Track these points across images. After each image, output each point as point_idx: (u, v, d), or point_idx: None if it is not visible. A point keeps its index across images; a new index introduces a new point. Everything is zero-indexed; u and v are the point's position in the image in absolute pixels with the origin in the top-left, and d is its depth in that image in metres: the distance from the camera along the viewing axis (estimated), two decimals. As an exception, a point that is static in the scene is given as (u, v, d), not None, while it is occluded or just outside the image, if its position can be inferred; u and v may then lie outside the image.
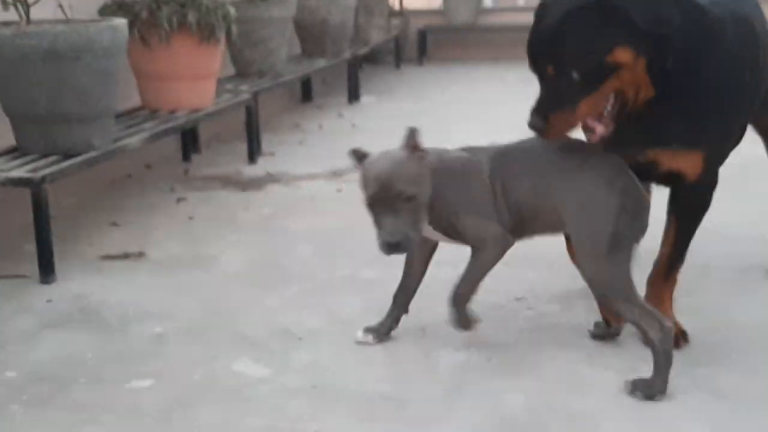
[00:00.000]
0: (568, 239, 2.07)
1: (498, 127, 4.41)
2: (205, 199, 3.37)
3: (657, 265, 1.99)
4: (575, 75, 1.73)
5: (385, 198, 1.76)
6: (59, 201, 2.93)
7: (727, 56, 1.84)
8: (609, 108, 1.79)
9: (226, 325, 2.17)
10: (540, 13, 1.80)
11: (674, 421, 1.69)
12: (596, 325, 2.02)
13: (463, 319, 1.90)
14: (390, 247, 1.77)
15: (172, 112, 3.38)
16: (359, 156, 1.85)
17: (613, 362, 1.92)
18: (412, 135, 1.81)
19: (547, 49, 1.75)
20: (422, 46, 7.96)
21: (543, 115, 1.77)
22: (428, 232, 1.89)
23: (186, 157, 4.04)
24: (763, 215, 2.94)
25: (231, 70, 4.41)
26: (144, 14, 3.20)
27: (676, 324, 1.92)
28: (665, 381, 1.75)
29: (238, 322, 2.19)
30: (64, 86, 2.54)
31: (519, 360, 1.95)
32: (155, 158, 3.92)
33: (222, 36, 3.43)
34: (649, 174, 1.90)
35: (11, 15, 2.64)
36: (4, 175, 2.46)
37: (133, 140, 2.90)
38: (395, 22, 7.55)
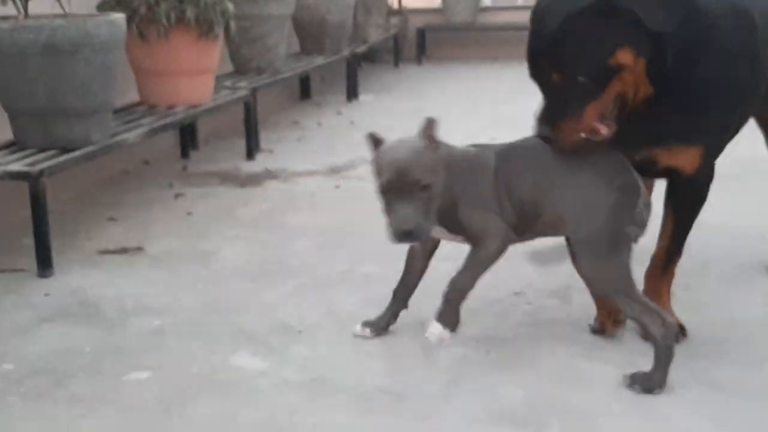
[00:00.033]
0: (568, 240, 2.04)
1: (496, 125, 4.42)
2: (204, 195, 3.36)
3: (654, 259, 1.99)
4: (581, 80, 1.71)
5: (400, 185, 1.73)
6: (57, 196, 2.93)
7: (723, 51, 1.84)
8: (611, 109, 1.78)
9: (225, 319, 2.17)
10: (537, 19, 1.77)
11: (672, 414, 1.69)
12: (595, 319, 2.02)
13: (451, 316, 1.85)
14: (402, 235, 1.74)
15: (171, 107, 3.37)
16: (375, 140, 1.82)
17: (611, 356, 1.92)
18: (429, 125, 1.80)
19: (550, 56, 1.73)
20: (421, 45, 7.96)
21: (551, 123, 1.76)
22: None
23: (184, 153, 4.03)
24: (762, 212, 2.95)
25: (229, 67, 4.41)
26: (142, 9, 3.20)
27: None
28: (665, 375, 1.75)
29: (237, 316, 2.19)
30: (62, 80, 2.53)
31: (517, 354, 1.95)
32: (153, 154, 3.92)
33: (220, 32, 3.43)
34: (647, 170, 1.89)
35: (9, 9, 2.63)
36: (2, 168, 2.46)
37: (132, 135, 2.90)
38: (394, 20, 7.55)
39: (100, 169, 3.45)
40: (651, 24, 1.68)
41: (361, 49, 6.15)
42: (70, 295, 2.34)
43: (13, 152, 2.62)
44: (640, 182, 1.82)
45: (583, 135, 1.76)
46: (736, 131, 2.02)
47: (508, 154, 1.87)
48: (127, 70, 3.39)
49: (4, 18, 2.57)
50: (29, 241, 2.55)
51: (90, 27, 2.52)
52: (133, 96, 3.50)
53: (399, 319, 2.06)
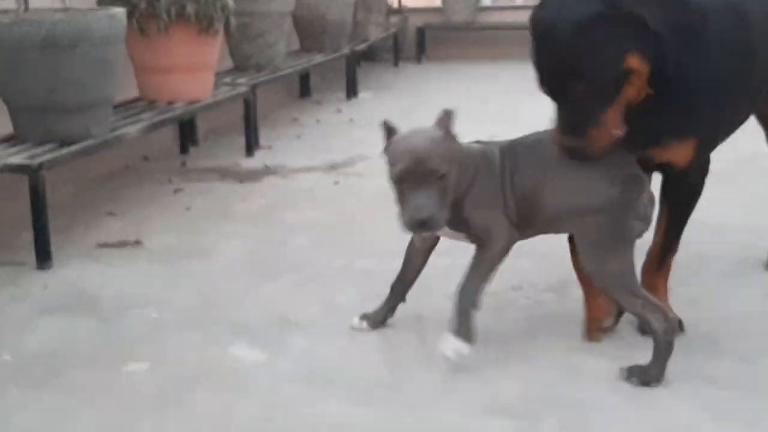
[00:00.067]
0: (571, 239, 2.04)
1: (495, 123, 4.42)
2: (203, 190, 3.37)
3: (650, 254, 2.00)
4: (600, 86, 1.71)
5: (416, 174, 1.71)
6: (56, 191, 2.94)
7: (713, 49, 1.84)
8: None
9: (223, 312, 2.17)
10: (544, 30, 1.73)
11: (668, 407, 1.70)
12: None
13: (466, 328, 1.82)
14: (417, 223, 1.72)
15: (170, 103, 3.38)
16: (389, 129, 1.81)
17: (608, 350, 1.93)
18: (446, 116, 1.80)
19: (569, 65, 1.70)
20: (420, 44, 7.96)
21: (578, 133, 1.74)
22: None
23: (183, 149, 4.04)
24: (758, 208, 2.95)
25: (229, 64, 4.41)
26: (142, 5, 3.21)
27: None
28: (663, 369, 1.76)
29: (235, 309, 2.19)
30: (62, 75, 2.54)
31: (514, 348, 1.95)
32: (152, 150, 3.92)
33: (220, 27, 3.43)
34: (643, 166, 1.90)
35: (9, 3, 2.64)
36: (1, 161, 2.47)
37: (131, 130, 2.90)
38: (394, 19, 7.56)
39: (99, 164, 3.45)
40: (655, 26, 1.69)
41: (361, 47, 6.16)
42: (68, 287, 2.35)
43: (13, 146, 2.63)
44: (644, 177, 1.82)
45: (607, 140, 1.76)
46: (732, 127, 2.03)
47: (512, 150, 1.86)
48: (127, 66, 3.39)
49: (4, 12, 2.58)
50: (28, 235, 2.55)
51: (90, 21, 2.52)
52: (132, 91, 3.50)
53: (396, 313, 2.07)
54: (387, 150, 1.79)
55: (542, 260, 2.43)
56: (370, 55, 7.60)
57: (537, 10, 1.76)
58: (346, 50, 5.56)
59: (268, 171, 3.68)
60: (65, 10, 2.66)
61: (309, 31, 5.32)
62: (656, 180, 2.03)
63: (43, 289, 2.34)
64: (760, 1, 2.00)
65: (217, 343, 2.00)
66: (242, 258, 2.59)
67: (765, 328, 2.05)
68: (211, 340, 2.01)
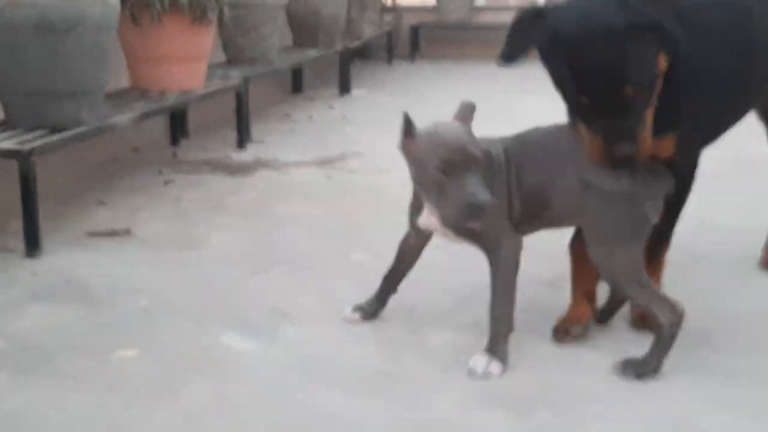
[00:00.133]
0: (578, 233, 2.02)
1: (489, 122, 4.41)
2: (194, 182, 3.34)
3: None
4: (643, 89, 1.70)
5: (458, 163, 1.67)
6: (46, 181, 2.90)
7: (697, 48, 1.83)
8: None
9: (214, 302, 2.15)
10: (580, 40, 1.68)
11: (662, 399, 1.69)
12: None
13: (500, 348, 1.80)
14: (477, 207, 1.66)
15: (163, 93, 3.35)
16: (410, 125, 1.73)
17: (602, 343, 1.92)
18: (467, 108, 1.78)
19: (617, 71, 1.67)
20: (414, 43, 7.96)
21: (629, 139, 1.71)
22: (434, 224, 1.83)
23: (174, 141, 4.01)
24: (753, 209, 2.95)
25: (222, 57, 4.39)
26: (136, -7, 3.18)
27: None
28: (661, 362, 1.75)
29: (226, 298, 2.17)
30: (55, 59, 2.51)
31: (509, 341, 1.94)
32: (143, 142, 3.90)
33: (214, 17, 3.41)
34: None
35: (3, -13, 2.61)
36: (-9, 147, 2.44)
37: (123, 118, 2.88)
38: (388, 17, 7.55)
39: (89, 154, 3.42)
40: (671, 28, 1.70)
41: (355, 44, 6.14)
42: (58, 274, 2.32)
43: (3, 131, 2.60)
44: (666, 170, 1.80)
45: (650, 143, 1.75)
46: (721, 126, 2.02)
47: (517, 146, 1.83)
48: (119, 55, 3.36)
49: (-3, -5, 2.54)
50: (17, 223, 2.53)
51: (84, 6, 2.50)
52: (124, 81, 3.48)
53: (389, 305, 2.05)
54: (412, 147, 1.73)
55: (538, 255, 2.41)
56: (363, 53, 7.59)
57: (561, 25, 1.70)
58: (339, 46, 5.55)
59: (259, 165, 3.65)
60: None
61: (303, 26, 5.30)
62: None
63: (32, 276, 2.31)
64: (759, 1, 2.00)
65: (207, 332, 1.97)
66: (234, 249, 2.57)
67: (759, 324, 2.05)
68: (201, 329, 1.99)
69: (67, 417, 1.61)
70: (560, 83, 1.76)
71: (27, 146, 2.42)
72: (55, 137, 2.54)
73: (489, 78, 6.51)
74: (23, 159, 2.40)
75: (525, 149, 1.83)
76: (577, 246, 1.96)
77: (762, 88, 2.08)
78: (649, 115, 1.74)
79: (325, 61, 5.77)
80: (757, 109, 2.35)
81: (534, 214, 1.82)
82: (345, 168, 3.61)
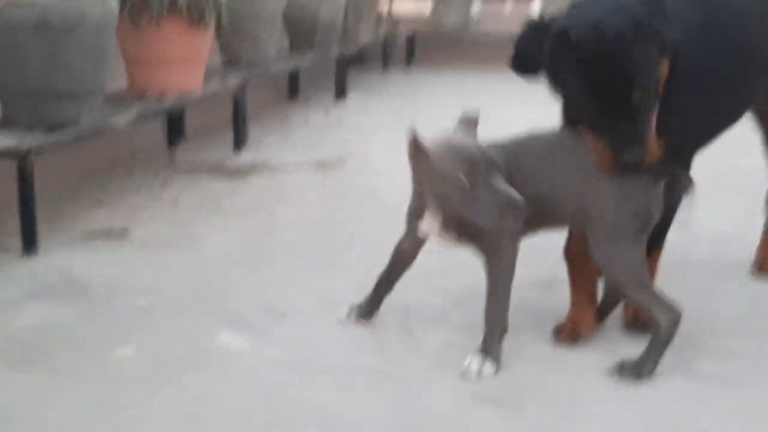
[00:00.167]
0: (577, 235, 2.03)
1: (483, 130, 4.45)
2: (191, 184, 3.36)
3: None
4: (650, 94, 1.73)
5: (482, 168, 1.70)
6: (43, 182, 2.92)
7: (691, 47, 1.85)
8: None
9: (210, 301, 2.17)
10: (590, 47, 1.70)
11: (652, 400, 1.71)
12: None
13: (496, 352, 1.82)
14: (510, 207, 1.68)
15: (161, 95, 3.37)
16: (418, 140, 1.73)
17: (593, 344, 1.95)
18: (471, 118, 1.80)
19: (626, 76, 1.70)
20: (410, 52, 7.99)
21: (638, 144, 1.73)
22: (435, 230, 1.85)
23: (172, 144, 4.03)
24: (744, 215, 2.98)
25: (219, 62, 4.41)
26: (135, -4, 3.20)
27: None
28: (657, 363, 1.78)
29: (222, 298, 2.19)
30: (55, 59, 2.53)
31: (501, 340, 1.96)
32: (140, 144, 3.91)
33: (212, 21, 3.43)
34: None
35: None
36: (-10, 145, 2.45)
37: (121, 119, 2.90)
38: (384, 26, 7.59)
39: (87, 155, 3.44)
40: (671, 35, 1.74)
41: (351, 51, 6.17)
42: (55, 273, 2.34)
43: (2, 130, 2.61)
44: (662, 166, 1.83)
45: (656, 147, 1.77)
46: (709, 132, 2.05)
47: (515, 150, 1.84)
48: (117, 58, 3.38)
49: (-3, -5, 2.57)
50: (14, 223, 2.55)
51: (84, 6, 2.52)
52: (122, 83, 3.50)
53: (385, 305, 2.07)
54: (427, 162, 1.73)
55: (529, 258, 2.43)
56: (359, 61, 7.62)
57: (569, 32, 1.72)
58: (336, 53, 5.58)
59: (256, 167, 3.68)
60: (59, -4, 2.65)
61: (300, 32, 5.32)
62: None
63: (30, 275, 2.33)
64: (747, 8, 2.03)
65: (204, 331, 1.99)
66: (230, 249, 2.59)
67: (749, 328, 2.08)
68: (198, 328, 2.01)
69: (65, 412, 1.63)
70: (567, 91, 1.78)
71: (25, 145, 2.44)
72: (54, 137, 2.55)
73: (483, 87, 6.54)
74: (22, 158, 2.42)
75: (523, 152, 1.84)
76: (572, 249, 1.98)
77: (754, 93, 2.11)
78: (653, 120, 1.76)
79: (322, 66, 5.79)
80: (755, 116, 2.38)
81: (534, 216, 1.83)
82: (341, 171, 3.63)
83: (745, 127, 2.42)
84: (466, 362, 1.81)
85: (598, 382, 1.78)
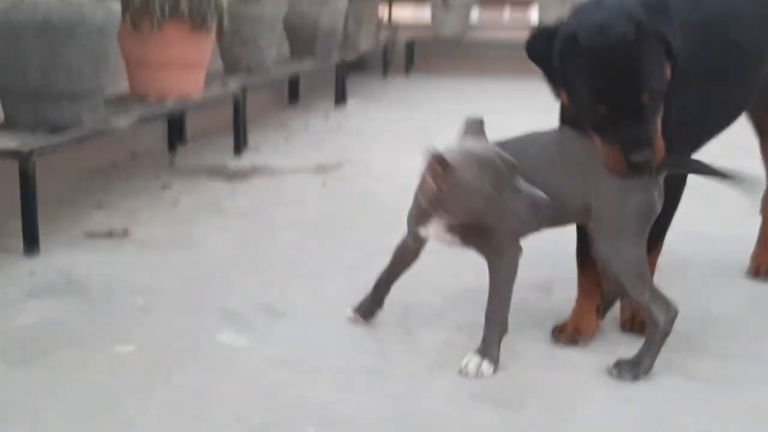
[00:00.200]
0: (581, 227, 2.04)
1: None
2: (191, 187, 3.38)
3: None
4: (659, 97, 1.74)
5: (506, 174, 1.70)
6: (44, 184, 2.93)
7: (687, 48, 1.87)
8: None
9: (210, 300, 2.18)
10: (602, 51, 1.72)
11: (649, 399, 1.72)
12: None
13: (493, 350, 1.83)
14: (540, 207, 1.68)
15: (161, 99, 3.39)
16: (441, 158, 1.70)
17: (592, 345, 1.96)
18: (476, 123, 1.79)
19: (637, 79, 1.72)
20: (410, 58, 8.02)
21: (648, 147, 1.74)
22: (440, 234, 1.84)
23: (172, 147, 4.05)
24: (740, 219, 2.99)
25: (220, 67, 4.43)
26: (137, 0, 3.22)
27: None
28: (654, 360, 1.79)
29: (222, 297, 2.20)
30: (57, 62, 2.55)
31: (499, 341, 1.97)
32: (141, 148, 3.93)
33: (213, 25, 3.45)
34: None
35: (6, -10, 2.65)
36: (-8, 146, 2.47)
37: (122, 121, 2.91)
38: (384, 32, 7.62)
39: (88, 158, 3.46)
40: (672, 38, 1.75)
41: (351, 57, 6.20)
42: (56, 273, 2.35)
43: (4, 132, 2.63)
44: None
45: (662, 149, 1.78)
46: (707, 131, 2.06)
47: (518, 150, 1.83)
48: (119, 61, 3.40)
49: (1, -2, 2.58)
50: (15, 224, 2.56)
51: (86, 10, 2.54)
52: (123, 86, 3.51)
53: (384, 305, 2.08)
54: (451, 178, 1.70)
55: (527, 260, 2.45)
56: (359, 66, 7.64)
57: (577, 37, 1.74)
58: (336, 59, 5.60)
59: (256, 171, 3.69)
60: (62, -1, 2.67)
61: (300, 38, 5.34)
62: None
63: (31, 274, 2.34)
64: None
65: (204, 329, 2.00)
66: (230, 250, 2.60)
67: (744, 329, 2.09)
68: (198, 326, 2.02)
69: (65, 410, 1.64)
70: (575, 94, 1.79)
71: (27, 146, 2.45)
72: (56, 138, 2.57)
73: (481, 93, 6.57)
74: (23, 159, 2.43)
75: (525, 151, 1.84)
76: (585, 254, 1.98)
77: (752, 94, 2.12)
78: (659, 122, 1.78)
79: (322, 72, 5.82)
80: (752, 121, 2.40)
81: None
82: (340, 175, 3.65)
83: (744, 130, 2.44)
84: (465, 362, 1.82)
85: (597, 382, 1.79)
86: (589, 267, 1.97)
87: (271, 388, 1.73)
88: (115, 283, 2.28)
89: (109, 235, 2.70)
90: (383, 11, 7.96)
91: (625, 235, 1.80)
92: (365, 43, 6.76)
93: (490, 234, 1.80)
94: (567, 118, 1.90)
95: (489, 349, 1.83)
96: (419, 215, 1.85)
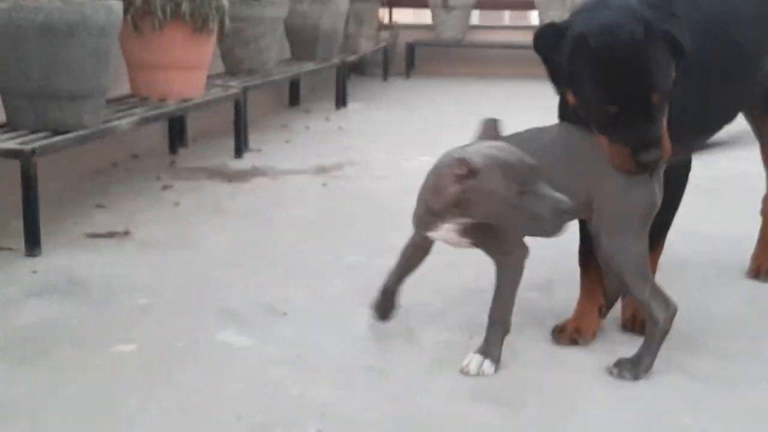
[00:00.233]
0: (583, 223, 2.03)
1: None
2: (191, 188, 3.38)
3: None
4: (666, 97, 1.75)
5: (530, 179, 1.67)
6: (46, 185, 2.94)
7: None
8: None
9: (211, 300, 2.19)
10: (612, 51, 1.71)
11: (649, 398, 1.72)
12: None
13: (496, 352, 1.82)
14: (564, 212, 1.66)
15: (162, 100, 3.40)
16: (466, 163, 1.65)
17: (592, 344, 1.96)
18: (493, 125, 1.76)
19: (647, 79, 1.72)
20: (410, 60, 8.04)
21: (657, 146, 1.74)
22: (450, 236, 1.81)
23: (173, 149, 4.05)
24: (741, 221, 2.99)
25: (221, 68, 4.44)
26: (138, 1, 3.23)
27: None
28: (654, 358, 1.79)
29: (223, 297, 2.21)
30: (58, 62, 2.56)
31: (500, 340, 1.97)
32: (142, 149, 3.94)
33: (215, 27, 3.46)
34: None
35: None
36: (-6, 147, 2.47)
37: (123, 122, 2.92)
38: (384, 34, 7.63)
39: (89, 159, 3.46)
40: (680, 37, 1.76)
41: (352, 59, 6.21)
42: (57, 273, 2.35)
43: (5, 132, 2.63)
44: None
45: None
46: (707, 129, 2.07)
47: (521, 146, 1.78)
48: (120, 63, 3.41)
49: (3, -1, 2.59)
50: (17, 224, 2.56)
51: (88, 10, 2.54)
52: (124, 88, 3.52)
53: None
54: (476, 183, 1.66)
55: (529, 260, 2.45)
56: (360, 69, 7.66)
57: (587, 37, 1.73)
58: (336, 60, 5.61)
59: (256, 172, 3.70)
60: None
61: (301, 40, 5.36)
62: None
63: (32, 274, 2.34)
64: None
65: (205, 329, 2.01)
66: (230, 250, 2.60)
67: (744, 329, 2.09)
68: (199, 326, 2.02)
69: (66, 406, 1.64)
70: (584, 95, 1.78)
71: (29, 146, 2.46)
72: (57, 139, 2.57)
73: (481, 95, 6.58)
74: (25, 159, 2.44)
75: (528, 147, 1.81)
76: (587, 256, 1.99)
77: (748, 94, 2.13)
78: (665, 121, 1.78)
79: (322, 74, 5.83)
80: (752, 124, 2.40)
81: None
82: (341, 176, 3.65)
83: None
84: (467, 361, 1.82)
85: (597, 381, 1.79)
86: (591, 267, 1.97)
87: (272, 388, 1.73)
88: (115, 283, 2.28)
89: (110, 235, 2.71)
90: (384, 13, 7.98)
91: (627, 231, 1.80)
92: (366, 45, 6.78)
93: (501, 235, 1.80)
94: (566, 115, 1.90)
95: (491, 348, 1.83)
96: (428, 217, 1.80)
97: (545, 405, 1.70)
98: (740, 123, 2.23)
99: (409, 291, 2.12)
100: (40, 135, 2.60)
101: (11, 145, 2.48)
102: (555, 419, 1.65)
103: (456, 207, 1.71)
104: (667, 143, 1.77)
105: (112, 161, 3.72)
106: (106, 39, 2.65)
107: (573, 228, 1.99)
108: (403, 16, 8.72)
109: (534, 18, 8.33)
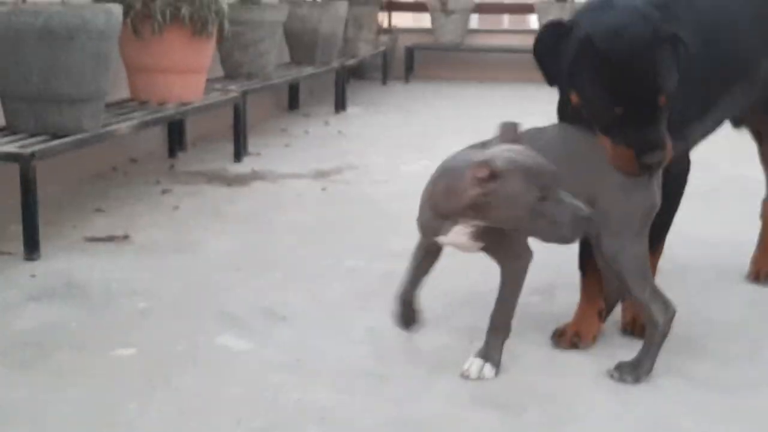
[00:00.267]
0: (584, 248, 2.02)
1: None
2: (191, 192, 3.38)
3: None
4: (669, 99, 1.74)
5: (551, 184, 1.64)
6: (45, 189, 2.95)
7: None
8: None
9: (210, 304, 2.18)
10: (619, 53, 1.71)
11: (649, 402, 1.72)
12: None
13: (497, 356, 1.82)
14: (583, 219, 1.63)
15: (162, 104, 3.40)
16: (489, 165, 1.61)
17: (592, 349, 1.96)
18: (512, 128, 1.72)
19: (654, 82, 1.72)
20: (409, 64, 8.04)
21: (660, 148, 1.74)
22: (460, 239, 1.77)
23: (172, 153, 4.05)
24: (740, 225, 3.00)
25: (220, 72, 4.44)
26: (137, 5, 3.23)
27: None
28: (653, 361, 1.79)
29: (222, 301, 2.21)
30: (57, 66, 2.56)
31: (500, 344, 1.97)
32: (141, 153, 3.94)
33: (214, 31, 3.46)
34: None
35: (8, -6, 2.66)
36: (-7, 150, 2.47)
37: (123, 126, 2.92)
38: (383, 38, 7.64)
39: (88, 163, 3.46)
40: (685, 39, 1.76)
41: (351, 63, 6.21)
42: (56, 277, 2.35)
43: (5, 136, 2.63)
44: None
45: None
46: (706, 128, 2.07)
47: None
48: (119, 66, 3.41)
49: (3, 2, 2.59)
50: (16, 228, 2.56)
51: (87, 14, 2.55)
52: (123, 92, 3.52)
53: (383, 307, 2.08)
54: (497, 188, 1.62)
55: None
56: (359, 73, 7.66)
57: (596, 40, 1.72)
58: (336, 64, 5.61)
59: (256, 176, 3.70)
60: (63, 3, 2.68)
61: (300, 44, 5.36)
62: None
63: (31, 278, 2.34)
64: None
65: (204, 333, 2.00)
66: (230, 254, 2.60)
67: (744, 333, 2.09)
68: (198, 330, 2.02)
69: (65, 410, 1.64)
70: (589, 97, 1.77)
71: (28, 150, 2.46)
72: (56, 142, 2.57)
73: (481, 99, 6.58)
74: (24, 162, 2.44)
75: (537, 150, 1.83)
76: (588, 261, 1.98)
77: (747, 94, 2.13)
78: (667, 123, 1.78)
79: (322, 78, 5.83)
80: (751, 129, 2.40)
81: None
82: (340, 180, 3.65)
83: (744, 137, 2.44)
84: (467, 365, 1.82)
85: (597, 385, 1.79)
86: (592, 271, 1.97)
87: (271, 392, 1.73)
88: (115, 287, 2.28)
89: (110, 239, 2.71)
90: (383, 17, 7.99)
91: (627, 231, 1.80)
92: (365, 49, 6.78)
93: (510, 240, 1.79)
94: (566, 115, 1.90)
95: (491, 352, 1.83)
96: (437, 221, 1.75)
97: (545, 409, 1.69)
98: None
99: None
100: (40, 138, 2.59)
101: (10, 148, 2.48)
102: (555, 423, 1.65)
103: (472, 210, 1.67)
104: (669, 145, 1.78)
105: (112, 165, 3.72)
106: (106, 43, 2.66)
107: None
108: (403, 20, 8.73)
109: (533, 22, 8.35)
